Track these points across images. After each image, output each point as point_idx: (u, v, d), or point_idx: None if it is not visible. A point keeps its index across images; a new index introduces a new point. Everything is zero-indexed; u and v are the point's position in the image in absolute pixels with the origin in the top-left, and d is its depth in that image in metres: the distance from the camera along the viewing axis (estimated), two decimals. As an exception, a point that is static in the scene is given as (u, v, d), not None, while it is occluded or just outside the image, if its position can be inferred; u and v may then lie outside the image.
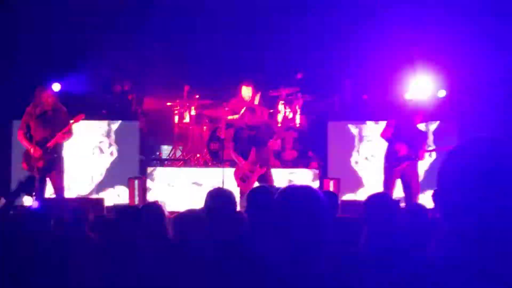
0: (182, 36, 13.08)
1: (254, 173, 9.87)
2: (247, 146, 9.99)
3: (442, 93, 12.32)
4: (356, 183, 11.90)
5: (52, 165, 9.59)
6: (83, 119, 9.75)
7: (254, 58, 13.04)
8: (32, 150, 9.53)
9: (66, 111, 9.90)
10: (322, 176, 11.84)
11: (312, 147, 12.53)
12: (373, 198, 4.79)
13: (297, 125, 12.42)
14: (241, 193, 9.81)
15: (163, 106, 13.16)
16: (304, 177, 11.39)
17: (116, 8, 12.89)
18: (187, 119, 12.57)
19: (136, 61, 12.44)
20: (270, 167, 10.10)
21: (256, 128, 10.03)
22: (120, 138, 12.63)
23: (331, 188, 11.02)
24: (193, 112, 12.57)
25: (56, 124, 9.62)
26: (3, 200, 9.22)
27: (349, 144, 12.47)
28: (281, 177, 11.22)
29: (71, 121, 9.63)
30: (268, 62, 13.08)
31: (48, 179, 9.70)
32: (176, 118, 12.68)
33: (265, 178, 9.91)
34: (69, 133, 9.64)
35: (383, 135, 10.03)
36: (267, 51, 13.06)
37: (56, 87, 10.81)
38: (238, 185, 9.91)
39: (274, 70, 12.93)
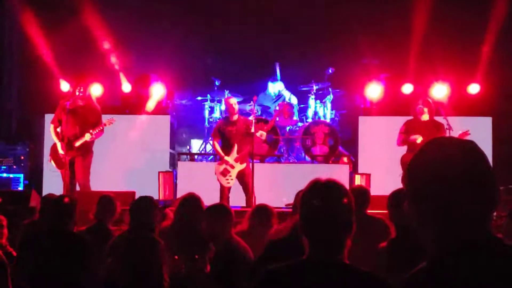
0: (215, 31, 13.10)
1: (234, 168, 9.80)
2: (229, 140, 9.90)
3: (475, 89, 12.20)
4: (386, 179, 11.77)
5: (77, 162, 9.65)
6: (113, 123, 9.74)
7: (286, 53, 13.02)
8: (59, 146, 9.60)
9: (99, 110, 9.91)
10: (353, 171, 11.79)
11: (342, 142, 12.45)
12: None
13: (328, 120, 12.40)
14: (221, 188, 9.85)
15: (194, 100, 13.25)
16: (335, 172, 11.32)
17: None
18: (217, 113, 12.62)
19: (167, 55, 12.45)
20: (249, 164, 9.92)
21: (236, 123, 9.92)
22: (150, 132, 12.69)
23: (362, 183, 10.93)
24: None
25: (87, 122, 9.64)
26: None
27: (379, 139, 12.35)
28: (312, 172, 11.18)
29: (102, 124, 9.62)
30: (299, 57, 13.04)
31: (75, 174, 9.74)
32: (207, 113, 12.73)
33: (243, 175, 9.84)
34: (98, 133, 9.64)
35: (397, 143, 9.98)
36: (298, 46, 13.02)
37: (97, 88, 10.86)
38: (219, 181, 9.83)
39: (305, 65, 12.88)
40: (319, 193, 2.53)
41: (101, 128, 9.60)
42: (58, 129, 9.74)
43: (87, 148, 9.72)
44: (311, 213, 2.52)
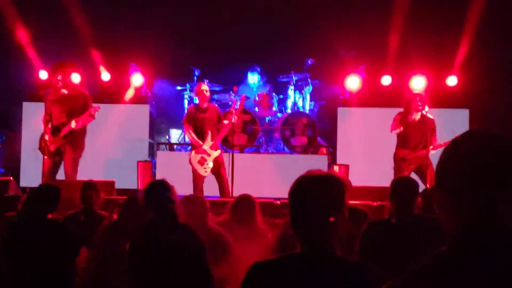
0: (192, 21, 13.06)
1: (210, 155, 9.71)
2: (201, 128, 9.80)
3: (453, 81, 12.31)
4: (365, 169, 11.84)
5: (63, 151, 9.54)
6: (98, 111, 9.57)
7: (264, 43, 13.02)
8: (46, 136, 9.51)
9: (87, 96, 9.77)
10: (332, 162, 11.86)
11: (321, 133, 12.50)
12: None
13: (307, 111, 12.45)
14: (195, 176, 9.74)
15: (173, 90, 13.23)
16: (314, 163, 11.37)
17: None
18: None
19: (146, 44, 12.41)
20: (222, 152, 9.92)
21: (207, 111, 9.84)
22: (129, 122, 12.64)
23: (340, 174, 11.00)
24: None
25: (74, 110, 9.49)
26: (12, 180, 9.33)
27: (358, 130, 12.41)
28: (291, 163, 11.24)
29: (91, 109, 9.45)
30: (278, 48, 13.05)
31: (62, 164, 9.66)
32: (186, 102, 12.73)
33: (218, 162, 9.77)
34: (86, 119, 9.48)
35: (392, 130, 9.96)
36: (277, 37, 13.03)
37: (76, 77, 10.74)
38: (194, 170, 9.73)
39: (284, 56, 12.89)
40: (306, 186, 2.54)
41: (89, 113, 9.46)
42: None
43: (77, 139, 9.58)
44: (298, 208, 2.54)
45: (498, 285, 1.59)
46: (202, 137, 9.76)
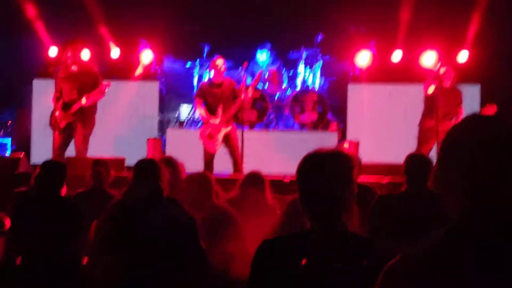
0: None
1: (220, 131, 9.62)
2: (213, 103, 9.69)
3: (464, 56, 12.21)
4: (375, 146, 11.81)
5: (74, 127, 9.54)
6: (108, 88, 9.53)
7: (275, 19, 12.95)
8: (56, 112, 9.51)
9: (96, 73, 9.73)
10: (342, 138, 11.83)
11: (331, 109, 12.47)
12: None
13: (316, 88, 12.41)
14: (206, 153, 9.71)
15: (183, 66, 13.20)
16: (324, 139, 11.35)
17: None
18: (206, 80, 12.60)
19: (156, 21, 12.36)
20: (235, 127, 9.82)
21: (221, 86, 9.68)
22: (139, 99, 12.64)
23: (350, 150, 10.97)
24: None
25: (84, 87, 9.47)
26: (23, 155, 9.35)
27: (369, 106, 12.37)
28: (301, 140, 11.22)
29: (101, 85, 9.41)
30: (288, 24, 12.97)
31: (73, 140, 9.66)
32: (196, 79, 12.70)
33: (229, 138, 9.68)
34: (96, 96, 9.45)
35: (425, 90, 9.82)
36: (288, 12, 12.95)
37: (85, 54, 10.67)
38: (204, 145, 9.67)
39: (294, 32, 12.82)
40: (313, 163, 2.54)
41: (99, 90, 9.43)
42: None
43: (88, 116, 9.56)
44: (307, 183, 2.53)
45: (505, 259, 1.60)
46: (213, 113, 9.67)
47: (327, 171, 2.49)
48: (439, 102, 9.60)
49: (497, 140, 1.68)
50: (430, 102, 9.73)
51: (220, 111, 9.61)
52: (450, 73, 9.75)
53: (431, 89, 9.64)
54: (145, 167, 4.63)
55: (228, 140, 9.72)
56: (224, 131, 9.65)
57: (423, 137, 9.79)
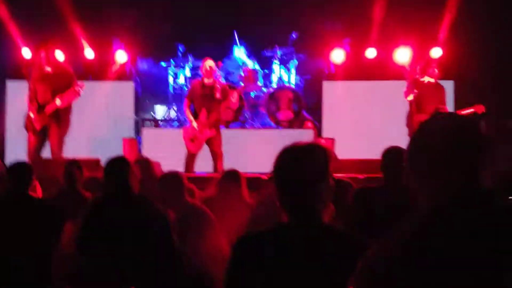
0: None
1: (202, 134, 9.60)
2: (198, 105, 9.65)
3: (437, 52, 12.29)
4: (351, 143, 11.86)
5: (49, 129, 9.45)
6: (82, 89, 9.43)
7: (248, 17, 12.94)
8: (31, 113, 9.41)
9: (71, 73, 9.63)
10: (318, 136, 11.87)
11: (307, 107, 12.50)
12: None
13: (292, 85, 12.44)
14: (188, 154, 9.69)
15: (157, 66, 13.17)
16: (300, 137, 11.38)
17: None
18: (181, 79, 12.59)
19: (129, 20, 12.32)
20: (219, 130, 9.77)
21: (210, 88, 9.65)
22: (114, 99, 12.59)
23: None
24: (187, 73, 12.58)
25: (58, 88, 9.38)
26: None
27: (344, 103, 12.43)
28: (277, 138, 11.25)
29: (75, 86, 9.31)
30: (262, 21, 12.97)
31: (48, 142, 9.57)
32: (171, 79, 12.68)
33: (213, 142, 9.63)
34: (70, 96, 9.34)
35: (406, 95, 9.84)
36: (261, 10, 12.94)
37: (59, 55, 10.54)
38: (186, 145, 9.65)
39: (269, 30, 12.83)
40: (290, 156, 2.54)
41: (74, 90, 9.32)
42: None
43: (62, 117, 9.47)
44: (283, 177, 2.54)
45: (482, 239, 1.68)
46: (198, 114, 9.65)
47: (304, 163, 2.49)
48: (426, 97, 9.66)
49: (466, 138, 1.79)
50: (418, 99, 9.74)
51: (204, 113, 9.57)
52: (433, 68, 9.80)
53: (411, 97, 9.69)
54: (114, 164, 4.66)
55: (210, 144, 9.68)
56: (207, 134, 9.61)
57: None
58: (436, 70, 9.76)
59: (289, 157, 2.54)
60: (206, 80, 9.67)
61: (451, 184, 1.76)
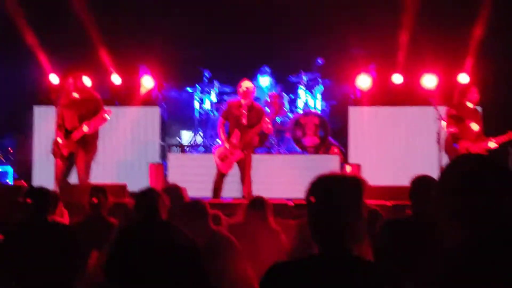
0: (201, 21, 13.05)
1: (233, 155, 9.56)
2: (233, 125, 9.61)
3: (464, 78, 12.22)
4: (377, 169, 11.79)
5: (76, 154, 9.51)
6: (109, 115, 9.49)
7: (274, 44, 12.99)
8: (59, 139, 9.47)
9: (98, 99, 9.70)
10: (344, 161, 11.82)
11: (333, 132, 12.47)
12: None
13: (318, 111, 12.43)
14: (218, 173, 9.66)
15: (183, 91, 13.24)
16: (326, 163, 11.34)
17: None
18: (207, 105, 12.64)
19: (155, 46, 12.41)
20: (251, 153, 9.71)
21: (251, 109, 9.58)
22: (141, 124, 12.65)
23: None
24: (213, 98, 12.63)
25: (85, 114, 9.45)
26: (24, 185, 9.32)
27: (370, 129, 12.38)
28: (303, 163, 11.23)
29: (102, 112, 9.38)
30: (288, 47, 13.02)
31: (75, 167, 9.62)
32: (197, 104, 12.73)
33: (243, 163, 9.56)
34: (97, 122, 9.41)
35: (447, 127, 9.69)
36: (287, 36, 12.99)
37: (86, 81, 10.63)
38: (216, 164, 9.62)
39: (294, 55, 12.86)
40: (323, 187, 2.52)
41: (101, 117, 9.39)
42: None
43: (89, 143, 9.53)
44: (318, 208, 2.51)
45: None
46: (233, 134, 9.60)
47: (339, 195, 2.47)
48: (469, 123, 9.55)
49: (491, 178, 1.90)
50: (461, 124, 9.60)
51: (238, 134, 9.55)
52: (474, 93, 9.70)
53: (452, 130, 9.56)
54: (144, 193, 4.67)
55: (241, 167, 9.62)
56: (239, 155, 9.57)
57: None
58: (476, 95, 9.66)
59: (321, 187, 2.52)
60: (243, 101, 9.63)
61: (480, 223, 1.86)
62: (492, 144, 9.55)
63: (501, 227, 1.83)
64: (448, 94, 11.49)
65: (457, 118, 9.54)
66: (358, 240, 2.48)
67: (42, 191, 5.33)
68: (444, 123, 9.50)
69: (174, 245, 4.38)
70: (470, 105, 9.65)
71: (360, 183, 2.51)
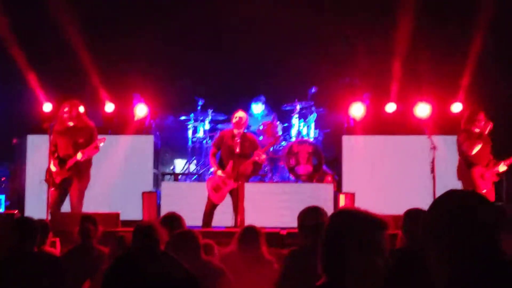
0: (196, 51, 13.09)
1: (227, 185, 9.59)
2: (226, 155, 9.66)
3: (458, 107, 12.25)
4: (371, 197, 11.76)
5: (69, 182, 9.51)
6: (103, 143, 9.55)
7: (268, 73, 13.04)
8: (52, 167, 9.46)
9: (92, 127, 9.74)
10: (337, 190, 11.79)
11: (326, 161, 12.45)
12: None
13: (311, 139, 12.43)
14: (208, 203, 9.65)
15: (177, 120, 13.24)
16: (319, 191, 11.31)
17: (131, 16, 12.94)
18: (201, 133, 12.63)
19: (149, 75, 12.44)
20: (244, 183, 9.68)
21: (244, 139, 9.63)
22: (134, 153, 12.62)
23: (344, 203, 10.93)
24: (207, 126, 12.63)
25: (79, 142, 9.47)
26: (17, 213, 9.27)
27: (363, 158, 12.37)
28: (297, 192, 11.19)
29: (96, 141, 9.42)
30: (281, 76, 13.06)
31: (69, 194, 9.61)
32: (190, 133, 12.72)
33: (236, 193, 9.52)
34: (91, 151, 9.46)
35: (470, 151, 9.68)
36: (281, 65, 13.04)
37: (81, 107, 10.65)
38: (208, 195, 9.62)
39: (288, 84, 12.90)
40: (344, 222, 2.62)
41: (95, 146, 9.42)
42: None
43: (83, 171, 9.55)
44: (335, 243, 2.57)
45: None
46: (224, 164, 9.64)
47: (357, 232, 2.57)
48: (480, 149, 9.61)
49: (479, 214, 1.93)
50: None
51: (231, 164, 9.55)
52: (487, 123, 9.75)
53: (477, 149, 9.58)
54: (141, 225, 4.64)
55: (233, 196, 9.60)
56: (231, 185, 9.56)
57: (475, 187, 9.53)
58: (483, 122, 9.70)
59: (340, 224, 2.62)
60: (235, 131, 9.66)
61: (470, 257, 1.89)
62: (502, 168, 9.59)
63: (490, 264, 1.85)
64: (442, 123, 11.53)
65: (470, 139, 9.61)
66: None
67: (28, 221, 5.24)
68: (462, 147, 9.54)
69: (170, 277, 4.33)
70: (477, 130, 9.69)
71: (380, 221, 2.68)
